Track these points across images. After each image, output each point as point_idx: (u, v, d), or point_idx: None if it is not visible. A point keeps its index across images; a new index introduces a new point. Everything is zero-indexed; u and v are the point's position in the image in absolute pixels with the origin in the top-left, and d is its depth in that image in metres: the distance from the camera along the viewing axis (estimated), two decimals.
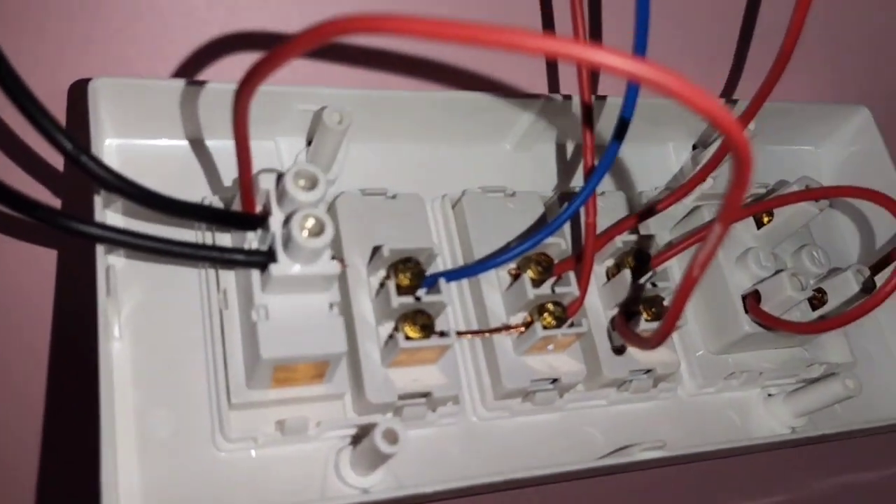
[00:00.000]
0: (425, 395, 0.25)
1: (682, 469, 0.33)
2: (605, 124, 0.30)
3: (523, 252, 0.27)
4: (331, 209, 0.27)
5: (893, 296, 0.28)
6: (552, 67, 0.35)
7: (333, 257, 0.23)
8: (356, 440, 0.25)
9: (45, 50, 0.28)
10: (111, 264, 0.25)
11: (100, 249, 0.23)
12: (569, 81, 0.35)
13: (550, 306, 0.27)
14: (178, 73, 0.29)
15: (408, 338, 0.24)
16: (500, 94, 0.30)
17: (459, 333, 0.27)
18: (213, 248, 0.24)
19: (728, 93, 0.39)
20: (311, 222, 0.22)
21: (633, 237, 0.29)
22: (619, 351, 0.28)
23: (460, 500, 0.27)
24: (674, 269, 0.31)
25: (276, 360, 0.22)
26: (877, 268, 0.32)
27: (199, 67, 0.29)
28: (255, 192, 0.23)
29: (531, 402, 0.28)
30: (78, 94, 0.27)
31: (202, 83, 0.26)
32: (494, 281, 0.28)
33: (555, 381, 0.27)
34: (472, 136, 0.32)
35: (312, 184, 0.22)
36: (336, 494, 0.25)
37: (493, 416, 0.28)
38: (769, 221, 0.32)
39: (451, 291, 0.28)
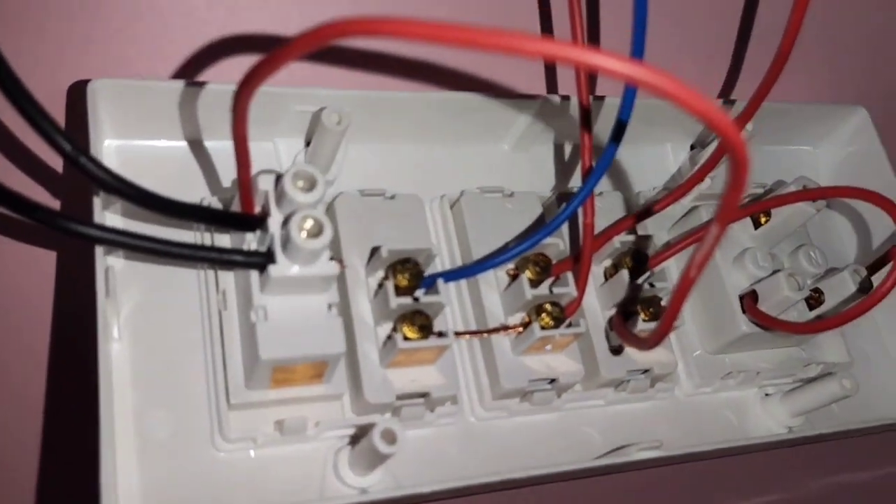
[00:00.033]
0: (423, 395, 0.25)
1: (680, 469, 0.33)
2: (604, 125, 0.30)
3: (521, 252, 0.27)
4: (329, 210, 0.27)
5: (890, 296, 0.28)
6: (550, 68, 0.35)
7: (332, 258, 0.23)
8: (355, 440, 0.25)
9: (44, 50, 0.28)
10: (110, 265, 0.25)
11: (99, 250, 0.23)
12: (567, 82, 0.35)
13: (548, 307, 0.27)
14: (178, 74, 0.29)
15: (406, 338, 0.25)
16: (498, 94, 0.30)
17: (458, 334, 0.27)
18: (212, 249, 0.24)
19: (726, 93, 0.39)
20: (309, 223, 0.22)
21: (631, 237, 0.29)
22: (616, 351, 0.28)
23: (458, 499, 0.27)
24: (671, 270, 0.31)
25: (274, 361, 0.22)
26: (873, 268, 0.32)
27: (199, 68, 0.29)
28: (253, 194, 0.23)
29: (529, 402, 0.28)
30: (77, 95, 0.27)
31: (201, 84, 0.26)
32: (493, 281, 0.28)
33: (553, 381, 0.27)
34: (471, 137, 0.32)
35: (311, 185, 0.22)
36: (335, 494, 0.25)
37: (491, 416, 0.28)
38: (766, 222, 0.32)
39: (450, 292, 0.28)
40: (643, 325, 0.28)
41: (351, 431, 0.25)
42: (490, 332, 0.27)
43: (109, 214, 0.25)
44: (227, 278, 0.25)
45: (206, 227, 0.26)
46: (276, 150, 0.28)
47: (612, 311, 0.29)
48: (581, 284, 0.27)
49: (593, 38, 0.36)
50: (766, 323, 0.30)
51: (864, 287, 0.31)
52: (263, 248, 0.23)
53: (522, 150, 0.33)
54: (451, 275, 0.27)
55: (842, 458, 0.37)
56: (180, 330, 0.25)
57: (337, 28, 0.15)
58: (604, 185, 0.33)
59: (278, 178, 0.23)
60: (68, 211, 0.27)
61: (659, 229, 0.32)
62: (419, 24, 0.14)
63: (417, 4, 0.33)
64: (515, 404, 0.28)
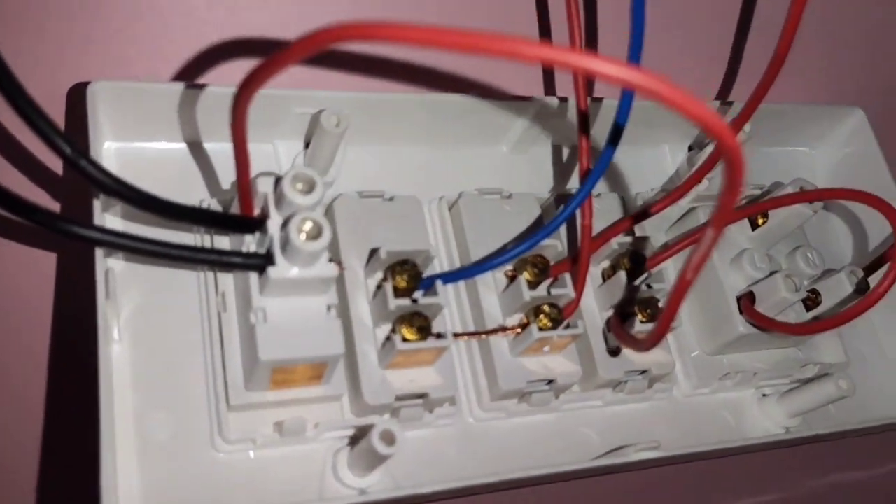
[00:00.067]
0: (422, 396, 0.26)
1: (677, 469, 0.33)
2: (602, 126, 0.30)
3: (520, 254, 0.27)
4: (328, 211, 0.27)
5: (886, 297, 0.28)
6: (548, 70, 0.35)
7: (331, 260, 0.23)
8: (354, 441, 0.25)
9: (44, 52, 0.28)
10: (110, 267, 0.25)
11: (99, 253, 0.23)
12: (565, 83, 0.35)
13: (546, 308, 0.27)
14: (178, 75, 0.29)
15: (405, 340, 0.25)
16: (496, 96, 0.30)
17: (456, 335, 0.27)
18: (212, 251, 0.24)
19: (724, 94, 0.39)
20: (308, 225, 0.22)
21: (629, 239, 0.30)
22: (614, 352, 0.29)
23: (457, 500, 0.27)
24: (669, 271, 0.31)
25: (274, 362, 0.22)
26: (870, 269, 0.32)
27: (199, 69, 0.29)
28: (253, 196, 0.23)
29: (527, 403, 0.28)
30: (77, 97, 0.27)
31: (200, 86, 0.26)
32: (491, 283, 0.28)
33: (551, 382, 0.27)
34: (469, 139, 0.32)
35: (310, 187, 0.23)
36: (334, 495, 0.25)
37: (490, 417, 0.28)
38: (764, 223, 0.32)
39: (448, 293, 0.28)
40: (641, 327, 0.28)
41: (350, 432, 0.25)
42: (488, 333, 0.27)
43: (109, 216, 0.25)
44: (227, 280, 0.25)
45: (206, 230, 0.26)
46: (275, 151, 0.29)
47: (610, 313, 0.29)
48: (579, 286, 0.27)
49: (591, 41, 0.36)
50: (764, 324, 0.30)
51: (861, 288, 0.31)
52: (263, 250, 0.23)
53: (521, 152, 0.33)
54: (450, 276, 0.27)
55: (839, 459, 0.38)
56: (180, 331, 0.25)
57: (335, 33, 0.15)
58: (602, 186, 0.33)
59: (277, 180, 0.23)
60: (68, 213, 0.27)
61: (657, 231, 0.32)
62: (417, 28, 0.14)
63: (417, 7, 0.33)
64: (514, 405, 0.28)
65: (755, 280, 0.31)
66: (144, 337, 0.25)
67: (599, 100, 0.31)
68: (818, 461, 0.37)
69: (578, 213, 0.27)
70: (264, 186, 0.23)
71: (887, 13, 0.44)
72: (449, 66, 0.33)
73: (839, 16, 0.42)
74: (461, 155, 0.32)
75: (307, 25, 0.15)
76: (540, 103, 0.30)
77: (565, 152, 0.34)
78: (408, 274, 0.25)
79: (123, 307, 0.25)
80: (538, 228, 0.28)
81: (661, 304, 0.29)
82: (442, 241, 0.30)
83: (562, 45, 0.14)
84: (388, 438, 0.23)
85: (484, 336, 0.27)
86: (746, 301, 0.30)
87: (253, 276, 0.23)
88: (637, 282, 0.29)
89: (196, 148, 0.28)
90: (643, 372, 0.29)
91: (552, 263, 0.28)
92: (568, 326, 0.27)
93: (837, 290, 0.32)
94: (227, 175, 0.28)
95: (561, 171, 0.33)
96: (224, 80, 0.29)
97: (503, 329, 0.27)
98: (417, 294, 0.25)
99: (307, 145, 0.28)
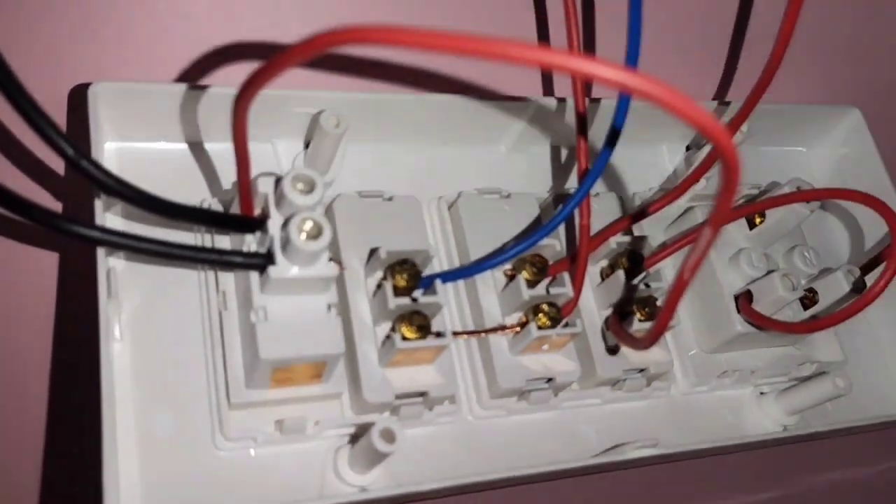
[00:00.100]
0: (422, 394, 0.26)
1: (676, 467, 0.34)
2: (600, 126, 0.30)
3: (519, 253, 0.27)
4: (328, 211, 0.27)
5: (883, 296, 0.28)
6: (547, 71, 0.35)
7: (331, 259, 0.23)
8: (354, 439, 0.25)
9: (46, 54, 0.28)
10: (112, 267, 0.25)
11: (101, 252, 0.23)
12: (563, 84, 0.35)
13: (545, 307, 0.27)
14: (177, 77, 0.29)
15: (404, 338, 0.25)
16: (495, 97, 0.30)
17: (455, 334, 0.27)
18: (213, 250, 0.25)
19: (721, 95, 0.39)
20: (309, 225, 0.22)
21: (627, 238, 0.30)
22: (612, 350, 0.29)
23: (457, 497, 0.28)
24: (667, 270, 0.31)
25: (274, 361, 0.23)
26: (867, 268, 0.32)
27: (198, 71, 0.30)
28: (253, 196, 0.23)
29: (526, 401, 0.28)
30: (78, 98, 0.27)
31: (200, 87, 0.26)
32: (490, 282, 0.28)
33: (550, 380, 0.28)
34: (468, 139, 0.32)
35: (310, 187, 0.23)
36: (334, 492, 0.25)
37: (489, 414, 0.28)
38: (761, 222, 0.32)
39: (448, 292, 0.28)
40: (639, 325, 0.28)
41: (350, 430, 0.26)
42: (487, 332, 0.27)
43: (110, 216, 0.26)
44: (227, 279, 0.25)
45: (207, 229, 0.26)
46: (275, 151, 0.29)
47: (609, 311, 0.29)
48: (577, 285, 0.28)
49: (589, 41, 0.36)
50: (761, 322, 0.30)
51: (858, 287, 0.31)
52: (263, 250, 0.23)
53: (519, 152, 0.33)
54: (449, 275, 0.27)
55: (836, 456, 0.38)
56: (181, 330, 0.25)
57: (335, 36, 0.15)
58: (600, 186, 0.33)
59: (278, 180, 0.23)
60: (70, 213, 0.27)
61: (655, 230, 0.32)
62: (416, 32, 0.14)
63: (417, 10, 0.33)
64: (513, 403, 0.28)
65: (753, 279, 0.31)
66: (146, 335, 0.25)
67: (597, 100, 0.31)
68: (816, 458, 0.37)
69: (577, 212, 0.27)
70: (265, 187, 0.23)
71: (885, 13, 0.44)
72: (448, 67, 0.33)
73: (836, 16, 0.42)
74: (460, 155, 0.32)
75: (304, 28, 0.16)
76: (538, 104, 0.31)
77: (564, 152, 0.34)
78: (407, 273, 0.26)
79: (125, 306, 0.25)
80: (537, 228, 0.28)
81: (659, 303, 0.29)
82: (441, 240, 0.30)
83: (559, 49, 0.14)
84: (389, 436, 0.23)
85: (483, 335, 0.27)
86: (744, 300, 0.30)
87: (254, 276, 0.23)
88: (635, 281, 0.29)
89: (196, 148, 0.28)
90: (641, 370, 0.29)
91: (551, 263, 0.28)
92: (566, 325, 0.27)
93: (834, 288, 0.32)
94: (227, 175, 0.28)
95: (559, 171, 0.34)
96: (223, 81, 0.29)
97: (502, 328, 0.27)
98: (417, 293, 0.25)
99: (307, 145, 0.28)
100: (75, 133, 0.26)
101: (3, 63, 0.20)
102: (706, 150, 0.33)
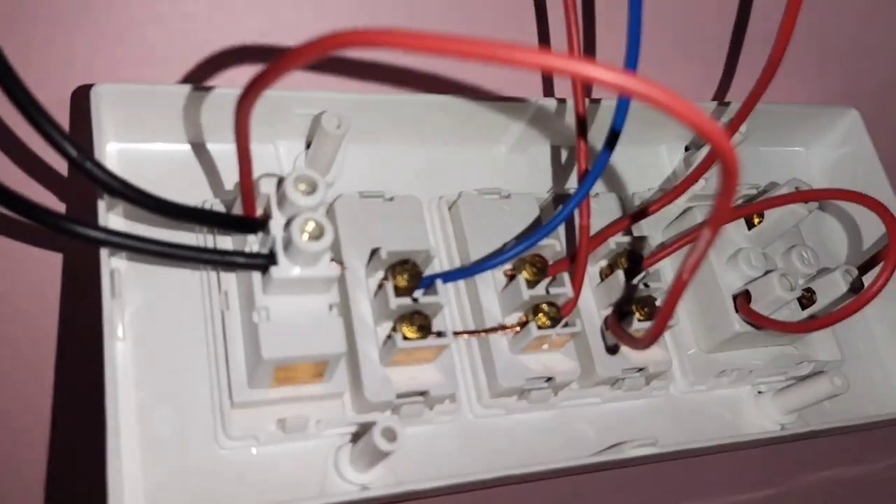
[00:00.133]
0: (423, 393, 0.26)
1: (674, 465, 0.34)
2: (600, 127, 0.31)
3: (519, 253, 0.27)
4: (329, 211, 0.28)
5: (880, 296, 0.28)
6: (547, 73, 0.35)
7: (332, 259, 0.23)
8: (355, 438, 0.25)
9: (48, 55, 0.28)
10: (115, 267, 0.25)
11: (104, 253, 0.24)
12: (563, 85, 0.35)
13: (545, 307, 0.27)
14: (180, 78, 0.30)
15: (405, 338, 0.25)
16: (495, 97, 0.30)
17: (456, 333, 0.27)
18: (215, 251, 0.25)
19: (721, 95, 0.39)
20: (311, 226, 0.22)
21: (627, 238, 0.30)
22: (612, 350, 0.29)
23: (457, 495, 0.28)
24: (666, 270, 0.32)
25: (277, 361, 0.23)
26: (864, 268, 0.33)
27: (200, 72, 0.30)
28: (255, 197, 0.23)
29: (526, 400, 0.28)
30: (81, 99, 0.27)
31: (202, 88, 0.26)
32: (490, 282, 0.28)
33: (549, 379, 0.28)
34: (468, 139, 0.32)
35: (312, 188, 0.23)
36: (336, 491, 0.25)
37: (489, 413, 0.28)
38: (760, 222, 0.32)
39: (448, 292, 0.28)
40: (638, 325, 0.28)
41: (352, 429, 0.26)
42: (488, 331, 0.28)
43: (114, 217, 0.26)
44: (230, 279, 0.25)
45: (209, 230, 0.26)
46: (276, 152, 0.29)
47: (608, 311, 0.29)
48: (577, 285, 0.28)
49: (589, 42, 0.36)
50: (759, 322, 0.30)
51: (856, 287, 0.32)
52: (265, 250, 0.23)
53: (520, 153, 0.33)
54: (450, 275, 0.27)
55: (834, 455, 0.38)
56: (184, 330, 0.26)
57: (338, 39, 0.15)
58: (599, 186, 0.33)
59: (280, 181, 0.23)
60: (73, 214, 0.27)
61: (654, 230, 0.32)
62: (420, 36, 0.14)
63: (418, 13, 0.33)
64: (513, 402, 0.28)
65: (751, 279, 0.31)
66: (149, 335, 0.25)
67: (597, 101, 0.31)
68: (813, 457, 0.37)
69: (577, 212, 0.27)
70: (267, 187, 0.23)
71: (883, 14, 0.44)
72: (449, 68, 0.33)
73: (835, 16, 0.42)
74: (461, 155, 0.32)
75: (305, 30, 0.16)
76: (538, 104, 0.31)
77: (563, 153, 0.34)
78: (408, 273, 0.26)
79: (128, 306, 0.25)
80: (537, 228, 0.28)
81: (658, 303, 0.29)
82: (442, 240, 0.30)
83: (560, 52, 0.15)
84: (390, 435, 0.23)
85: (483, 334, 0.28)
86: (742, 299, 0.31)
87: (256, 276, 0.23)
88: (635, 281, 0.29)
89: (199, 149, 0.28)
90: (640, 369, 0.29)
91: (551, 263, 0.28)
92: (566, 325, 0.27)
93: (832, 288, 0.32)
94: (229, 176, 0.28)
95: (559, 171, 0.34)
96: (225, 83, 0.29)
97: (502, 327, 0.28)
98: (418, 293, 0.26)
99: (308, 146, 0.29)
100: (78, 134, 0.26)
101: (7, 64, 0.20)
102: (705, 150, 0.33)
